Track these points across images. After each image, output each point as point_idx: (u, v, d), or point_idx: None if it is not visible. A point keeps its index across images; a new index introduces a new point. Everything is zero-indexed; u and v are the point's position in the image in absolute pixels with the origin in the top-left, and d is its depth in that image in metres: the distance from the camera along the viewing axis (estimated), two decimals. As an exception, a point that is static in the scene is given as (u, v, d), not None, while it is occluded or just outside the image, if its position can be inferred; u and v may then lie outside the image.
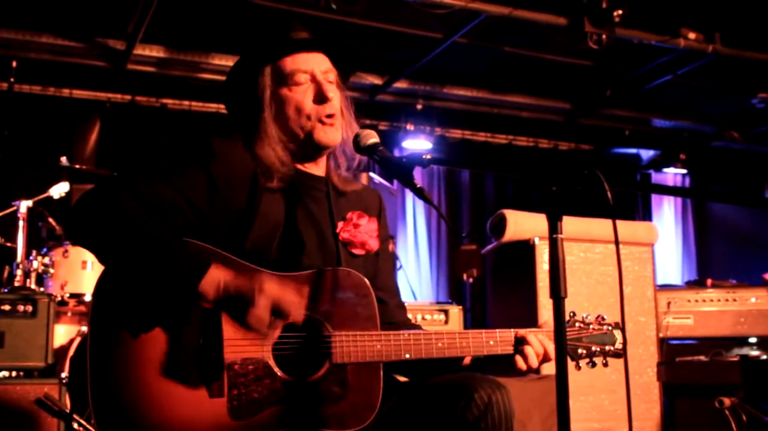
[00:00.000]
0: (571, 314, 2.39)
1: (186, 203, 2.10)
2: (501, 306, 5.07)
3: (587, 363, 2.38)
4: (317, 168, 2.36)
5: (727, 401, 3.62)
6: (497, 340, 2.26)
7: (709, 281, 5.68)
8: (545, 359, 2.28)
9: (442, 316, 4.50)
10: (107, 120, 6.88)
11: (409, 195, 7.90)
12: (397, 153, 7.87)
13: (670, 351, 5.14)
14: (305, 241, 2.23)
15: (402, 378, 2.43)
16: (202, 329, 2.02)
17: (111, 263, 2.04)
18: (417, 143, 7.77)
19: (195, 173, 2.14)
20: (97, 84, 6.91)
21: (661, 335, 5.11)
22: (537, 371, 2.38)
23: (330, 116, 2.27)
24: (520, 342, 2.28)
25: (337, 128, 2.29)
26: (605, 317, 2.43)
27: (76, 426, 3.28)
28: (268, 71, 2.29)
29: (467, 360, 2.34)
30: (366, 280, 2.18)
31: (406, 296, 6.56)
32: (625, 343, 1.95)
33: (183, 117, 7.16)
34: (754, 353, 4.93)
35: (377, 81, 7.24)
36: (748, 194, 9.32)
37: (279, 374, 2.05)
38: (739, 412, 3.71)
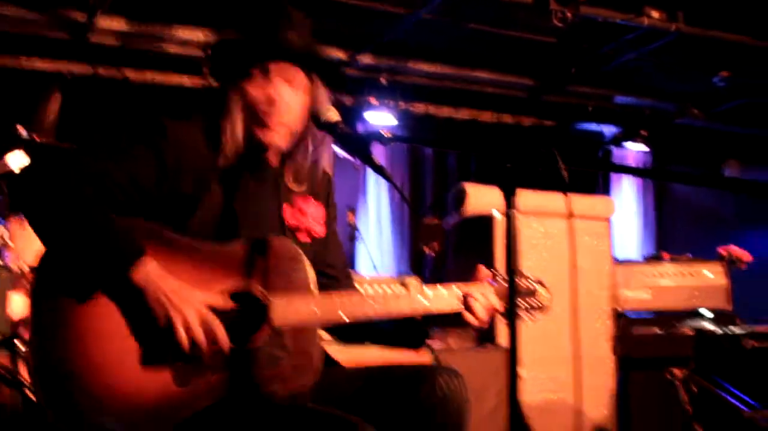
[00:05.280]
0: (494, 271, 2.46)
1: (132, 184, 2.13)
2: (461, 278, 5.12)
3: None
4: (270, 154, 2.38)
5: (678, 373, 3.71)
6: (430, 298, 2.33)
7: (665, 256, 5.77)
8: (492, 312, 2.38)
9: (401, 287, 4.54)
10: (68, 92, 6.79)
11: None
12: (360, 128, 7.88)
13: (626, 324, 5.22)
14: (249, 226, 2.26)
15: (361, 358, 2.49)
16: (141, 297, 2.05)
17: (45, 237, 2.06)
18: (381, 117, 7.77)
19: (145, 153, 2.17)
20: (58, 56, 6.82)
21: (617, 308, 5.21)
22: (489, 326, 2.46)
23: (276, 120, 2.28)
24: (465, 299, 2.36)
25: (279, 133, 2.30)
26: (529, 275, 2.52)
27: (35, 398, 3.29)
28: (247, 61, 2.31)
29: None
30: (298, 248, 2.23)
31: (367, 269, 6.63)
32: (575, 319, 1.99)
33: (146, 90, 7.10)
34: (708, 326, 5.02)
35: (342, 55, 7.23)
36: (708, 171, 9.45)
37: (217, 340, 2.08)
38: (690, 383, 3.80)
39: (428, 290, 2.35)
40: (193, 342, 2.03)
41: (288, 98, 2.28)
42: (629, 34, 6.77)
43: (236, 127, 2.26)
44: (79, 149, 2.19)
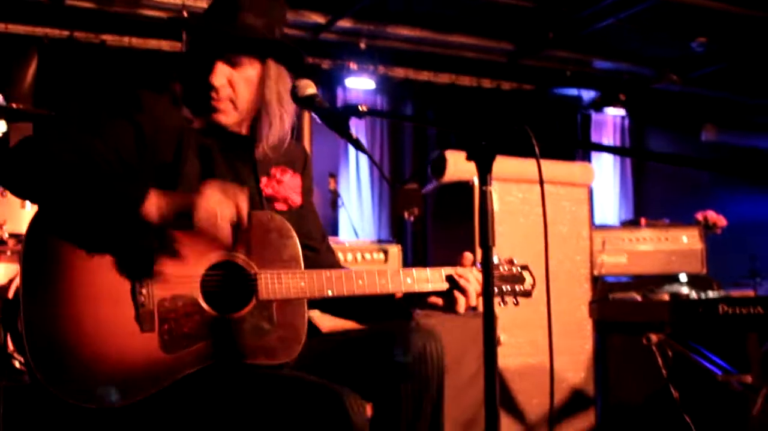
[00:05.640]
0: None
1: (116, 156, 2.17)
2: (441, 245, 5.18)
3: (499, 302, 2.52)
4: (241, 128, 2.43)
5: (654, 337, 3.78)
6: (414, 278, 2.39)
7: (643, 221, 5.84)
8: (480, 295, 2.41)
9: (382, 255, 4.59)
10: (45, 57, 6.73)
11: (351, 132, 7.90)
12: (340, 92, 7.88)
13: (605, 288, 5.29)
14: None
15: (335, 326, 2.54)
16: (133, 266, 2.09)
17: (51, 206, 2.10)
18: (360, 82, 7.77)
19: (123, 126, 2.22)
20: (35, 19, 6.75)
21: (596, 273, 5.28)
22: (474, 308, 2.51)
23: (217, 101, 2.33)
24: (453, 281, 2.41)
25: (231, 116, 2.36)
26: (515, 259, 2.58)
27: (17, 365, 3.32)
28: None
29: (399, 294, 2.45)
30: (286, 222, 2.29)
31: (348, 234, 6.67)
32: (548, 284, 2.03)
33: (123, 54, 7.04)
34: (684, 290, 5.10)
35: (320, 20, 7.19)
36: (686, 135, 9.51)
37: (207, 309, 2.15)
38: (665, 348, 3.87)
39: (416, 271, 2.40)
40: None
41: (227, 82, 2.33)
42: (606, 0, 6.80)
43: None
44: (61, 123, 2.23)
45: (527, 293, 2.58)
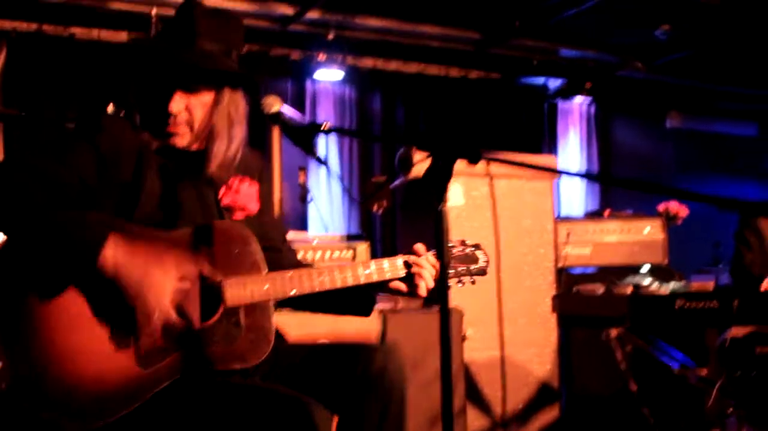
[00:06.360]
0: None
1: (80, 181, 2.25)
2: (409, 239, 5.22)
3: (456, 283, 2.64)
4: (194, 145, 2.48)
5: (613, 331, 3.88)
6: (372, 269, 2.49)
7: (606, 212, 5.94)
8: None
9: (350, 253, 4.65)
10: (13, 50, 6.70)
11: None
12: (308, 83, 7.91)
13: (569, 280, 5.39)
14: (187, 212, 2.39)
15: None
16: (105, 286, 2.15)
17: (12, 236, 2.17)
18: (329, 73, 7.80)
19: (84, 148, 2.29)
20: (3, 13, 6.69)
21: (560, 264, 5.37)
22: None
23: (175, 125, 2.39)
24: (409, 267, 2.54)
25: (181, 136, 2.41)
26: (467, 240, 2.69)
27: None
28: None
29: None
30: (246, 229, 2.37)
31: (317, 229, 6.71)
32: (499, 280, 2.12)
33: (92, 47, 7.02)
34: (646, 281, 5.20)
35: (289, 11, 7.20)
36: (651, 121, 9.63)
37: (177, 321, 2.20)
38: (624, 342, 3.98)
39: (374, 263, 2.51)
40: (164, 323, 2.15)
41: (184, 107, 2.39)
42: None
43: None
44: (22, 154, 2.28)
45: (482, 272, 2.69)
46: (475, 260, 2.67)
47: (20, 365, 2.09)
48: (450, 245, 2.64)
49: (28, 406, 2.07)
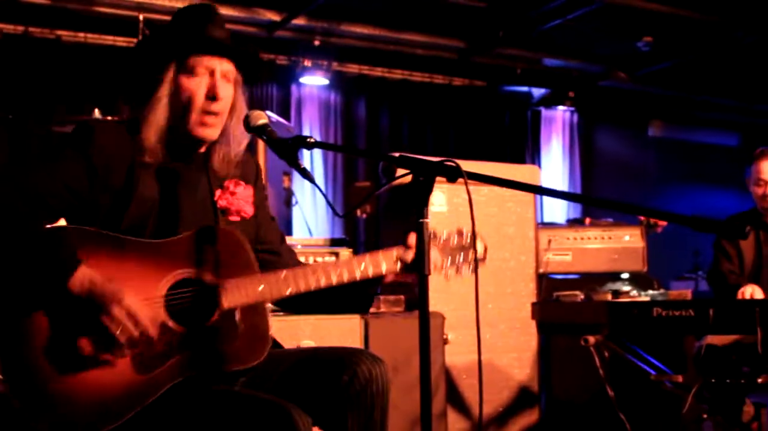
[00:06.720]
0: (433, 233, 2.63)
1: (67, 189, 2.29)
2: (393, 244, 5.29)
3: (455, 273, 2.66)
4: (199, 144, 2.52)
5: (591, 339, 3.94)
6: (367, 263, 2.50)
7: (587, 220, 6.01)
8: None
9: (333, 258, 4.70)
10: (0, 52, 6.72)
11: (306, 128, 7.99)
12: (294, 89, 7.96)
13: (550, 286, 5.46)
14: (183, 212, 2.43)
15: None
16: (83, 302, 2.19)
17: None
18: (314, 80, 7.87)
19: (74, 158, 2.33)
20: (-12, 15, 6.74)
21: (541, 270, 5.44)
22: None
23: (214, 114, 2.42)
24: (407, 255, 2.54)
25: (217, 127, 2.46)
26: (464, 229, 2.69)
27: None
28: (173, 61, 2.42)
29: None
30: (237, 232, 2.41)
31: (302, 232, 6.75)
32: (477, 283, 2.17)
33: (78, 50, 7.05)
34: (625, 288, 5.27)
35: (275, 17, 7.27)
36: (634, 130, 9.74)
37: (174, 327, 2.25)
38: (602, 349, 4.05)
39: (369, 256, 2.52)
40: (130, 336, 2.18)
41: (226, 93, 2.44)
42: (555, 1, 6.97)
43: (160, 119, 2.40)
44: (9, 165, 2.33)
45: (482, 259, 2.70)
46: (474, 249, 2.67)
47: (17, 370, 2.14)
48: (446, 236, 2.65)
49: (29, 418, 2.12)
